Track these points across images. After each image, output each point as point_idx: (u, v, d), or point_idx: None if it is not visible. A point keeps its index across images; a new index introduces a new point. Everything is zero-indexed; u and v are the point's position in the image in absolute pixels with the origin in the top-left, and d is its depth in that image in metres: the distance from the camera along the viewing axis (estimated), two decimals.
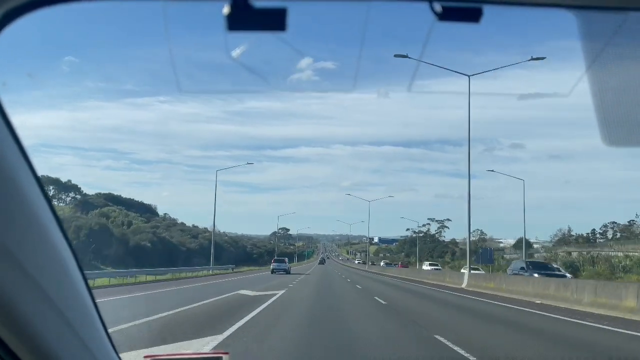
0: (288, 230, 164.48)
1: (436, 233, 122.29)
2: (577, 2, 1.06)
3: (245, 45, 1.14)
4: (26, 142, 1.01)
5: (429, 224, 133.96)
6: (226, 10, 1.06)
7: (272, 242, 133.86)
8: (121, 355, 1.46)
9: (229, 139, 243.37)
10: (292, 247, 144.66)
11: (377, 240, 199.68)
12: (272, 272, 43.30)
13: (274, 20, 1.08)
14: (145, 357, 1.48)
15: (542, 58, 26.69)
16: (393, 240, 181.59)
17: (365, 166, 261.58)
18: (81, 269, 1.25)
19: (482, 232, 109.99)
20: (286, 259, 51.22)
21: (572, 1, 1.06)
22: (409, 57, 25.92)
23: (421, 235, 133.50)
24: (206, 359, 1.57)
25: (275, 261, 46.97)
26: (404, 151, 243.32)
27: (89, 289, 1.29)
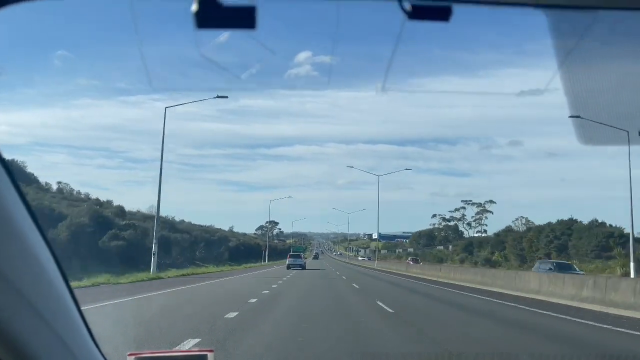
0: (277, 224, 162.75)
1: (475, 220, 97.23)
2: (547, 2, 1.16)
3: (213, 43, 1.23)
4: (19, 140, 1.08)
5: (463, 207, 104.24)
6: (194, 7, 1.15)
7: (256, 236, 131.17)
8: (105, 353, 1.55)
9: (223, 138, 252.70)
10: (276, 241, 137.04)
11: (376, 237, 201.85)
12: (288, 267, 46.47)
13: (244, 18, 1.17)
14: (130, 355, 1.60)
15: None
16: (394, 237, 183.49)
17: (360, 164, 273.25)
18: (61, 269, 1.36)
19: (527, 220, 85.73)
20: (301, 254, 55.46)
21: (542, 0, 1.16)
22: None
23: (441, 225, 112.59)
24: (191, 357, 1.68)
25: (291, 256, 50.88)
26: (398, 149, 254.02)
27: (70, 289, 1.40)
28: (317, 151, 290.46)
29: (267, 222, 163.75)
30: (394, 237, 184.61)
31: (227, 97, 29.07)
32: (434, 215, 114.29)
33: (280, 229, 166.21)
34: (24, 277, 1.21)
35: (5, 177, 1.17)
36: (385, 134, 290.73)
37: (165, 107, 30.93)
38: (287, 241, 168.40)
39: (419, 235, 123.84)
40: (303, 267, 47.00)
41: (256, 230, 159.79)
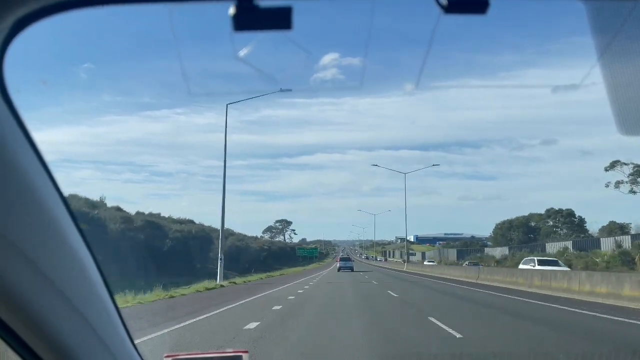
0: (290, 223, 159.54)
1: None
2: None
3: (252, 46, 1.41)
4: (48, 157, 1.30)
5: (611, 167, 64.72)
6: (232, 11, 1.33)
7: (262, 237, 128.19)
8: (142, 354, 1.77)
9: (245, 148, 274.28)
10: (264, 241, 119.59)
11: (412, 239, 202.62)
12: (339, 270, 59.16)
13: (280, 19, 1.35)
14: (166, 357, 1.79)
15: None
16: (435, 239, 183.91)
17: (382, 171, 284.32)
18: (99, 268, 1.55)
19: None
20: (351, 257, 72.50)
21: None
22: None
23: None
24: (226, 357, 1.87)
25: (342, 260, 65.44)
26: (421, 155, 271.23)
27: (108, 287, 1.59)
28: (339, 159, 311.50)
29: (276, 222, 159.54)
30: (434, 239, 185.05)
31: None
32: (613, 166, 65.50)
33: (293, 229, 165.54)
34: (67, 279, 1.38)
35: (48, 181, 1.35)
36: (408, 139, 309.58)
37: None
38: (306, 246, 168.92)
39: (509, 226, 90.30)
40: (352, 269, 59.78)
41: (263, 232, 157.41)
